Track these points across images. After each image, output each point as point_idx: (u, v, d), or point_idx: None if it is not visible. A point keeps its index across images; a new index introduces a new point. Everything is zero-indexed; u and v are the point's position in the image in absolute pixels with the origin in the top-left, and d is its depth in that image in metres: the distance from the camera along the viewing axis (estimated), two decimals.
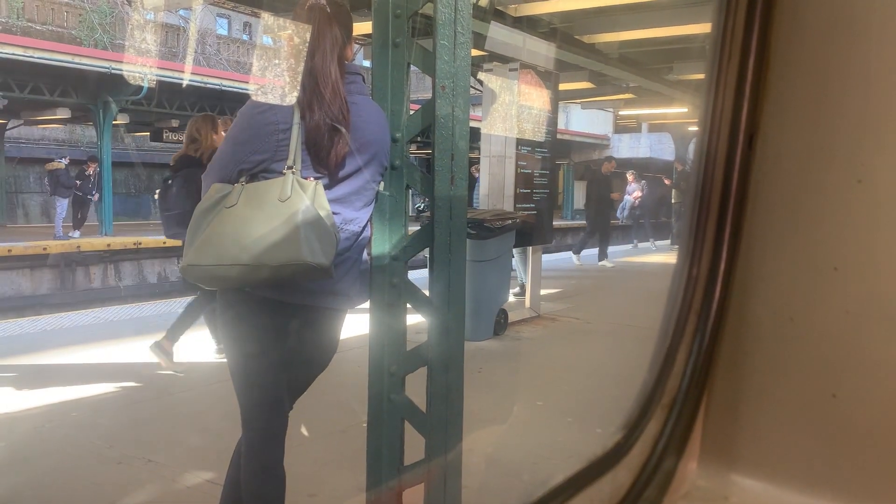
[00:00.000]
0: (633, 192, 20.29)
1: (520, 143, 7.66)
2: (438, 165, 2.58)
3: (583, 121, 31.29)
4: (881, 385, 1.21)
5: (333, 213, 2.35)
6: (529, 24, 8.39)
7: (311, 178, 2.32)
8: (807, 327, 1.27)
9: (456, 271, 2.63)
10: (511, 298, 8.22)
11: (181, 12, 31.39)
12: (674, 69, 11.63)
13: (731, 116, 1.33)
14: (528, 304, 8.35)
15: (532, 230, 7.93)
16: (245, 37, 37.63)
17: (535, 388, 5.80)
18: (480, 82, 8.28)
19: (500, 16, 7.95)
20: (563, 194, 32.38)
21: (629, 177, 20.81)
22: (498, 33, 7.66)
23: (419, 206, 24.03)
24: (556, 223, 26.91)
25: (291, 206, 2.21)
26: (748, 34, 1.31)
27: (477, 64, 8.49)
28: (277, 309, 2.42)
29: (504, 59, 7.82)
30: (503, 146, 7.60)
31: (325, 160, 2.36)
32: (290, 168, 2.28)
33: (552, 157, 8.38)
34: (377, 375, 2.75)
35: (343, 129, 2.37)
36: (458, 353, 2.70)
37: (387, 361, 2.72)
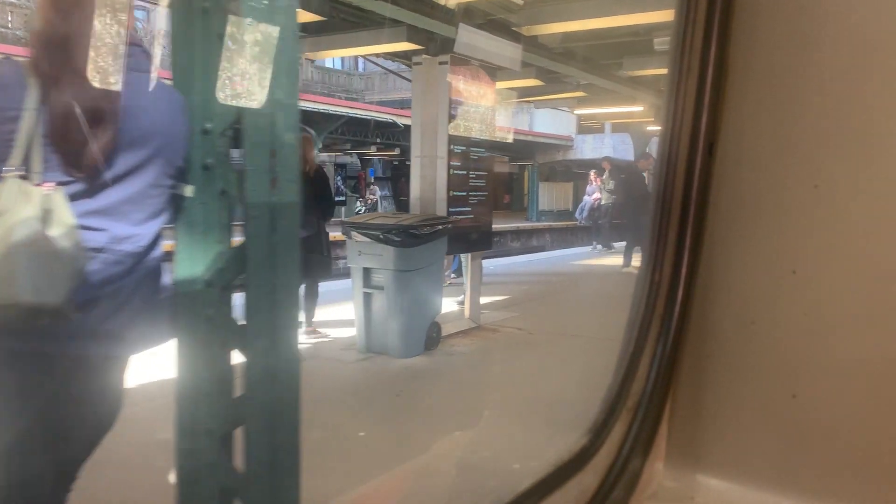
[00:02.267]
0: (593, 192, 18.97)
1: (453, 141, 7.54)
2: (252, 164, 2.02)
3: (547, 122, 31.22)
4: (839, 385, 1.25)
5: (97, 230, 1.82)
6: (464, 15, 8.24)
7: (53, 184, 1.77)
8: (767, 330, 1.31)
9: (284, 300, 2.11)
10: (456, 308, 8.02)
11: None
12: (623, 65, 11.40)
13: (691, 125, 1.36)
14: (467, 314, 8.21)
15: (469, 235, 7.74)
16: None
17: (458, 411, 5.08)
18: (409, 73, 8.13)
19: (432, 5, 7.82)
20: (529, 196, 32.31)
21: (592, 176, 20.13)
22: (427, 24, 7.57)
23: (359, 210, 21.15)
24: (521, 225, 26.64)
25: (7, 224, 1.70)
26: (707, 46, 1.34)
27: (407, 57, 8.32)
28: (22, 361, 1.87)
29: (434, 52, 7.70)
30: (434, 146, 7.44)
31: (79, 158, 1.80)
32: (16, 170, 1.74)
33: (491, 156, 8.27)
34: (188, 435, 2.15)
35: (108, 117, 1.84)
36: (289, 406, 2.11)
37: (202, 417, 2.13)
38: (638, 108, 14.48)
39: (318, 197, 6.15)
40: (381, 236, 5.67)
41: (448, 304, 7.75)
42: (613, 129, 28.64)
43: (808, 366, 1.27)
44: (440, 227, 6.65)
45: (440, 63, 7.26)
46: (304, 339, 5.65)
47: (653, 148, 21.70)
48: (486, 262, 12.98)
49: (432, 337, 6.57)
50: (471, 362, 6.54)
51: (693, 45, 1.35)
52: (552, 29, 8.87)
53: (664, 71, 1.53)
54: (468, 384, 5.94)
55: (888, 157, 1.22)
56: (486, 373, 6.37)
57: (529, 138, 27.93)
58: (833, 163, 1.25)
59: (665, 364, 1.38)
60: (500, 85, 8.94)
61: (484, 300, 8.25)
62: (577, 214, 25.56)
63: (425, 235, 6.43)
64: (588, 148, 29.48)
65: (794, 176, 1.28)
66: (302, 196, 2.23)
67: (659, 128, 1.43)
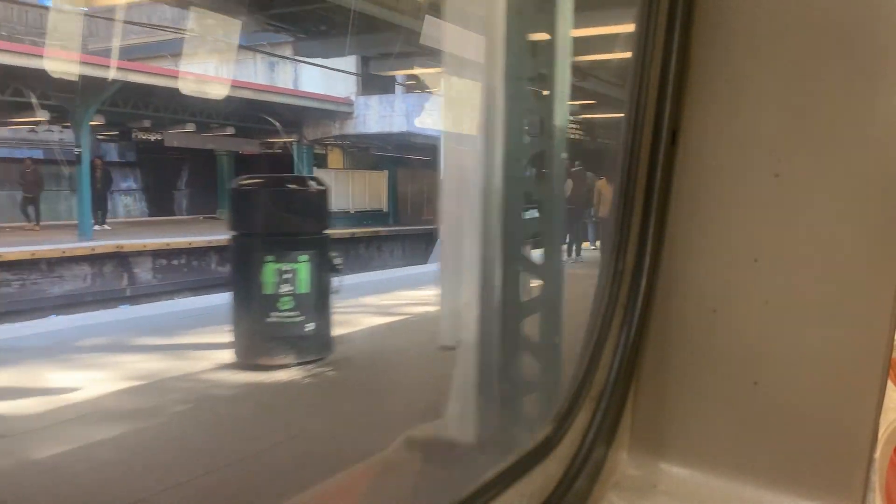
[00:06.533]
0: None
1: None
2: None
3: (317, 81, 21.67)
4: (800, 372, 1.29)
5: None
6: None
7: None
8: (729, 318, 1.33)
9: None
10: None
11: None
12: None
13: (654, 113, 1.36)
14: None
15: None
16: None
17: None
18: None
19: None
20: None
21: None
22: None
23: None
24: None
25: None
26: (670, 34, 1.34)
27: None
28: None
29: None
30: None
31: None
32: None
33: None
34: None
35: None
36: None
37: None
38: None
39: None
40: None
41: None
42: (411, 89, 21.03)
43: (769, 353, 1.30)
44: None
45: None
46: None
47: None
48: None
49: None
50: None
51: (656, 32, 1.35)
52: None
53: None
54: None
55: (846, 147, 1.26)
56: None
57: (291, 101, 19.44)
58: (793, 152, 1.28)
59: (629, 353, 1.38)
60: None
61: None
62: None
63: None
64: (374, 116, 21.67)
65: (755, 165, 1.30)
66: None
67: (623, 117, 1.42)
